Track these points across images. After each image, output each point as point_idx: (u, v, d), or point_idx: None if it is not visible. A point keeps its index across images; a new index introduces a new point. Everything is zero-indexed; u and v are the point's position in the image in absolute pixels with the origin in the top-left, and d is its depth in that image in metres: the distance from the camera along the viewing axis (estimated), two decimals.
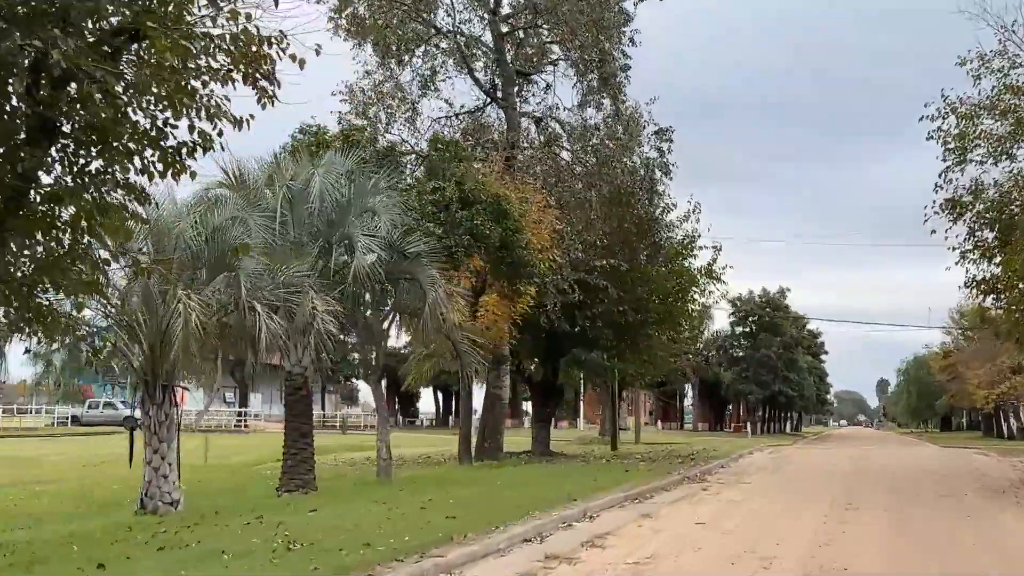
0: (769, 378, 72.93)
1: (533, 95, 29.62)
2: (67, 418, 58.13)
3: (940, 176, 22.72)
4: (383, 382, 29.11)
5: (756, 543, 11.87)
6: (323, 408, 74.84)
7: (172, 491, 14.28)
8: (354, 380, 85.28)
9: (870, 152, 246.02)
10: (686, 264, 31.72)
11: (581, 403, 75.81)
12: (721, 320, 78.93)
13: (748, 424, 70.19)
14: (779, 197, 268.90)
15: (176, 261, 13.84)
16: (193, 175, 7.24)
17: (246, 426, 60.41)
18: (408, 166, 23.09)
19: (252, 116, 7.05)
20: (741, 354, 76.09)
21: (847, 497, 18.70)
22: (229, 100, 6.92)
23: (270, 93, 7.05)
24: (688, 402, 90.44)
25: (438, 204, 19.55)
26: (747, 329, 76.09)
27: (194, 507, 14.39)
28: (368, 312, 18.85)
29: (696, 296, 32.44)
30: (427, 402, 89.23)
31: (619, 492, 17.53)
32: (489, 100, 28.44)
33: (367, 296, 17.99)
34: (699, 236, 31.51)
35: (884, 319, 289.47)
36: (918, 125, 22.34)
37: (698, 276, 31.73)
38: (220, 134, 6.97)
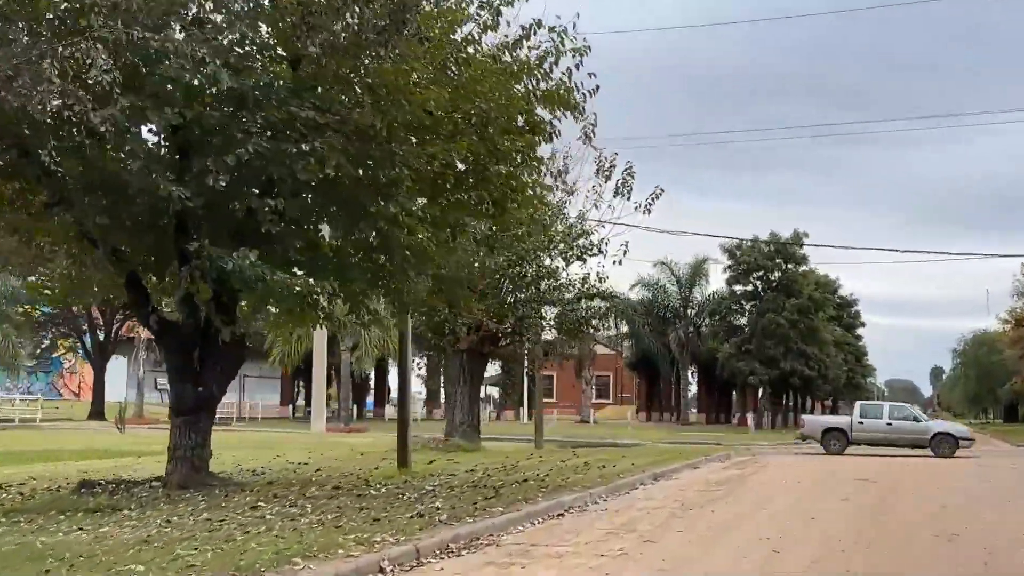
0: (778, 352, 53.75)
1: None
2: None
3: None
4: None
5: None
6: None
7: None
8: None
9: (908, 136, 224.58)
10: (498, 65, 14.13)
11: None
12: (717, 280, 60.69)
13: (750, 415, 52.21)
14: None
15: None
16: None
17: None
18: None
19: None
20: (743, 322, 57.43)
21: None
22: None
23: None
24: (693, 388, 72.99)
25: None
26: (749, 288, 57.48)
27: None
28: None
29: (529, 140, 14.70)
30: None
31: None
32: None
33: None
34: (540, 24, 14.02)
35: (939, 309, 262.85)
36: None
37: (528, 89, 14.10)
38: None
